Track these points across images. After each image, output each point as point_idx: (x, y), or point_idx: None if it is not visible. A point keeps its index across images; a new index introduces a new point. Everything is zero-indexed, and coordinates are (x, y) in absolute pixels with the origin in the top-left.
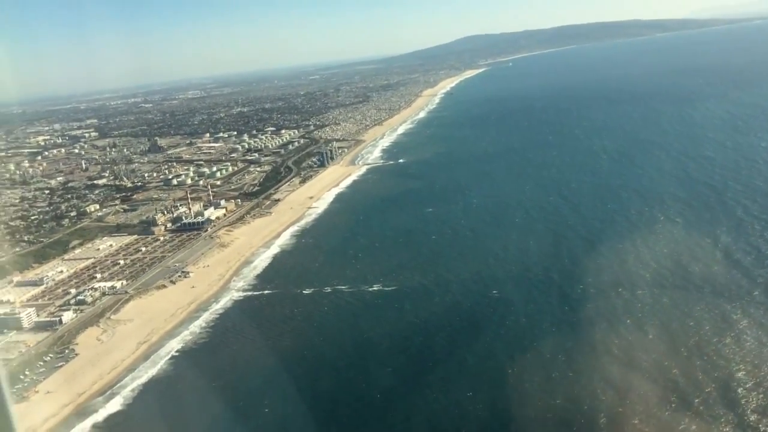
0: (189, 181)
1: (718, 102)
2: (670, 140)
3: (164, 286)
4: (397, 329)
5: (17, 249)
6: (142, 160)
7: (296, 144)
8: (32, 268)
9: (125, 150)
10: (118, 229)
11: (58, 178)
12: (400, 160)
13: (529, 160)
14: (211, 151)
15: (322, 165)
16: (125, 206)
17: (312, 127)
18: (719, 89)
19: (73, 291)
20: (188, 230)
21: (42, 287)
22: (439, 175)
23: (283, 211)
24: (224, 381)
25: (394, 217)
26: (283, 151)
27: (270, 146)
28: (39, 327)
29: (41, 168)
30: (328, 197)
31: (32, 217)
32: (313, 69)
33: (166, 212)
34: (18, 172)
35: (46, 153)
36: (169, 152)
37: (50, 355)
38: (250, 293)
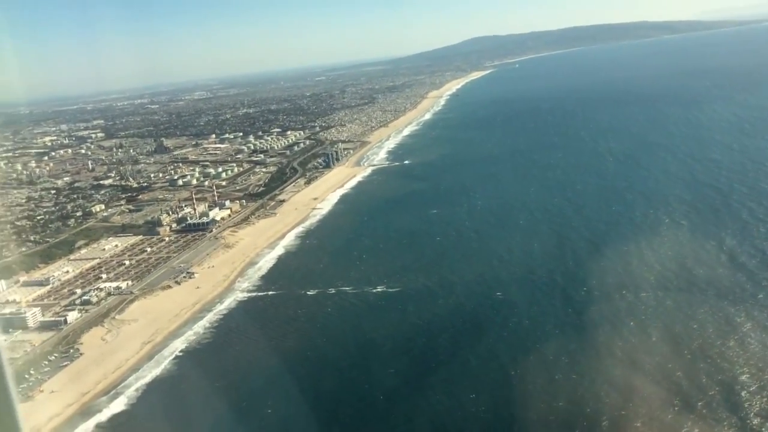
0: (194, 182)
1: (726, 104)
2: (677, 142)
3: (169, 287)
4: (401, 330)
5: (23, 249)
6: (148, 161)
7: (302, 145)
8: (38, 268)
9: (131, 150)
10: (124, 230)
11: (65, 178)
12: (406, 162)
13: (534, 162)
14: (217, 152)
15: (328, 166)
16: (131, 206)
17: (318, 129)
18: (727, 91)
19: (78, 291)
20: (193, 231)
21: (48, 287)
22: (444, 176)
23: (287, 212)
24: (227, 381)
25: (398, 218)
26: (288, 152)
27: (275, 147)
28: (44, 327)
29: (48, 168)
30: (333, 198)
31: (38, 217)
32: (320, 70)
33: (171, 213)
34: (25, 172)
35: (53, 153)
36: (175, 153)
37: (55, 354)
38: (254, 294)
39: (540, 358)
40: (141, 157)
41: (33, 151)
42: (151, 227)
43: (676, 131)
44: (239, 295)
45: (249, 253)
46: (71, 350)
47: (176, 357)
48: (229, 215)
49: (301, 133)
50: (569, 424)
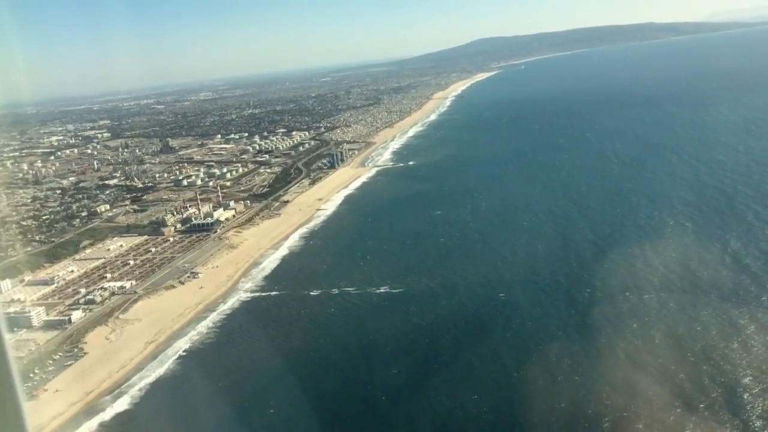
0: (199, 182)
1: (732, 106)
2: (682, 144)
3: (173, 287)
4: (403, 331)
5: (29, 248)
6: (153, 161)
7: (307, 146)
8: (43, 268)
9: (137, 151)
10: (129, 230)
11: (70, 178)
12: (410, 163)
13: (539, 163)
14: (222, 152)
15: (332, 167)
16: (136, 207)
17: (323, 129)
18: (733, 93)
19: (83, 290)
20: (198, 231)
21: (52, 286)
22: (448, 177)
23: (292, 212)
24: (230, 381)
25: (402, 219)
26: (293, 152)
27: (280, 148)
28: (49, 326)
29: (54, 168)
30: (338, 199)
31: (44, 217)
32: (325, 71)
33: (176, 213)
34: (31, 171)
35: (59, 153)
36: (180, 153)
37: (59, 353)
38: (257, 294)
39: (542, 359)
40: (146, 157)
41: (39, 150)
42: (155, 227)
43: (681, 133)
44: (243, 295)
45: (253, 253)
46: (75, 349)
47: (180, 357)
48: (234, 216)
49: (306, 133)
50: (571, 426)
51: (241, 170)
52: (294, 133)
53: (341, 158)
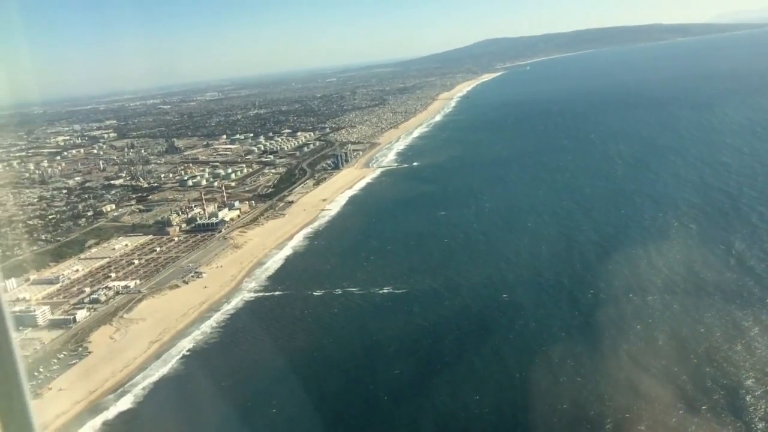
0: (204, 182)
1: (738, 107)
2: (687, 146)
3: (177, 286)
4: (406, 332)
5: (35, 248)
6: (159, 161)
7: (311, 146)
8: (49, 267)
9: (143, 151)
10: (134, 229)
11: (76, 178)
12: (415, 164)
13: (543, 165)
14: (227, 152)
15: (337, 167)
16: (141, 206)
17: (328, 130)
18: (739, 95)
19: (87, 290)
20: (202, 231)
21: (57, 285)
22: (452, 178)
23: (296, 213)
24: (233, 380)
25: (406, 220)
26: (298, 153)
27: (285, 148)
28: (54, 325)
29: (60, 168)
30: (342, 200)
31: (50, 217)
32: (331, 71)
33: (181, 213)
34: (37, 171)
35: (66, 153)
36: (185, 153)
37: (64, 352)
38: (261, 294)
39: (545, 360)
40: (152, 157)
41: (46, 150)
42: (160, 227)
43: (686, 134)
44: (246, 295)
45: (257, 253)
46: (80, 348)
47: (183, 356)
48: (238, 216)
49: (311, 134)
50: (573, 427)
51: (245, 170)
52: (299, 133)
53: (346, 159)
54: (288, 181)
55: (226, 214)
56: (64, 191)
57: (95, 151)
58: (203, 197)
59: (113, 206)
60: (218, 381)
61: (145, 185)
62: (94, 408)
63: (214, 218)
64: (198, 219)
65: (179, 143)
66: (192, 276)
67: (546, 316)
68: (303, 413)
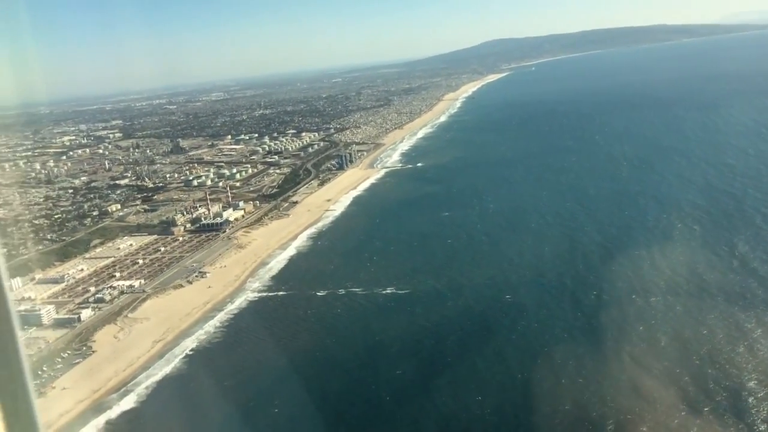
0: (209, 183)
1: (743, 109)
2: (692, 147)
3: (181, 286)
4: (409, 332)
5: (40, 247)
6: (164, 161)
7: (316, 147)
8: (54, 266)
9: (148, 151)
10: (139, 229)
11: (82, 178)
12: (419, 164)
13: (547, 166)
14: (232, 153)
15: (341, 168)
16: (146, 206)
17: (332, 130)
18: (744, 96)
19: (92, 289)
20: (207, 231)
21: (62, 285)
22: (456, 179)
23: (300, 213)
24: (236, 380)
25: (410, 220)
26: (302, 153)
27: (290, 149)
28: (58, 324)
29: (66, 167)
30: (346, 200)
31: (55, 216)
32: (336, 72)
33: (185, 213)
34: (43, 171)
35: (71, 153)
36: (190, 153)
37: (68, 351)
38: (264, 294)
39: (547, 361)
40: (157, 157)
41: (52, 150)
42: (165, 227)
43: (691, 135)
44: (250, 295)
45: (261, 253)
46: (84, 348)
47: (186, 356)
48: (243, 216)
49: (316, 134)
50: (574, 428)
51: (250, 171)
52: (304, 134)
53: (350, 159)
54: (292, 182)
55: (230, 215)
56: (70, 191)
57: (101, 151)
58: (208, 197)
59: (118, 206)
60: (221, 380)
61: (151, 185)
62: (98, 407)
63: (218, 218)
64: (203, 219)
65: (184, 143)
66: (196, 276)
67: (548, 317)
68: (305, 413)
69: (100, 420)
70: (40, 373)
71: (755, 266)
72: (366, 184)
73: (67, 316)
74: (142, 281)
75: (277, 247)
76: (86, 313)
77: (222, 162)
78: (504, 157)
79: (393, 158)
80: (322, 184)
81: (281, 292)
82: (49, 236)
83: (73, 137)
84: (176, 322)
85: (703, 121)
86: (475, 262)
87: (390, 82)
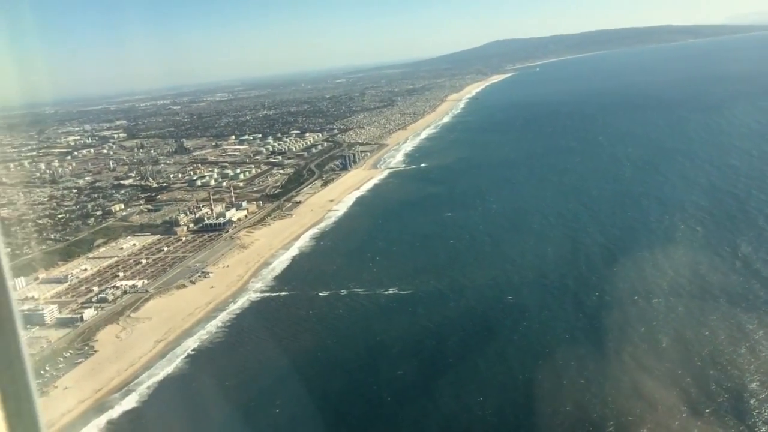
0: (213, 183)
1: (748, 110)
2: (695, 148)
3: (184, 286)
4: (411, 333)
5: (44, 247)
6: (168, 161)
7: (320, 147)
8: (57, 266)
9: (152, 151)
10: (142, 229)
11: (86, 178)
12: (422, 165)
13: (550, 167)
14: (236, 153)
15: (345, 168)
16: (150, 206)
17: (336, 131)
18: (750, 97)
19: (95, 289)
20: (210, 231)
21: (66, 285)
22: (459, 179)
23: (303, 213)
24: (238, 380)
25: (413, 221)
26: (306, 154)
27: (294, 149)
28: (61, 323)
29: (70, 167)
30: (349, 200)
31: (59, 216)
32: (340, 72)
33: (189, 213)
34: (48, 171)
35: (76, 153)
36: (194, 154)
37: (70, 351)
38: (267, 294)
39: (548, 362)
40: (161, 157)
41: (56, 150)
42: (168, 227)
43: (695, 137)
44: (252, 295)
45: (264, 253)
46: (86, 347)
47: (188, 355)
48: (246, 216)
49: (320, 135)
50: (575, 429)
51: (254, 171)
52: (307, 134)
53: (354, 160)
54: (296, 182)
55: (233, 215)
56: (74, 191)
57: (105, 151)
58: (211, 197)
59: (122, 206)
60: (222, 380)
61: (154, 185)
62: (99, 406)
63: (221, 218)
64: (206, 219)
65: (188, 143)
66: (199, 276)
67: (550, 318)
68: (306, 413)
69: (102, 419)
70: (42, 372)
71: (758, 267)
72: (369, 185)
73: (69, 316)
74: (145, 281)
75: (279, 248)
76: (89, 313)
77: (226, 162)
78: (507, 157)
79: (396, 159)
80: (325, 184)
81: (283, 293)
82: (52, 236)
83: (78, 137)
84: (178, 322)
85: (707, 123)
86: (478, 262)
87: (394, 83)
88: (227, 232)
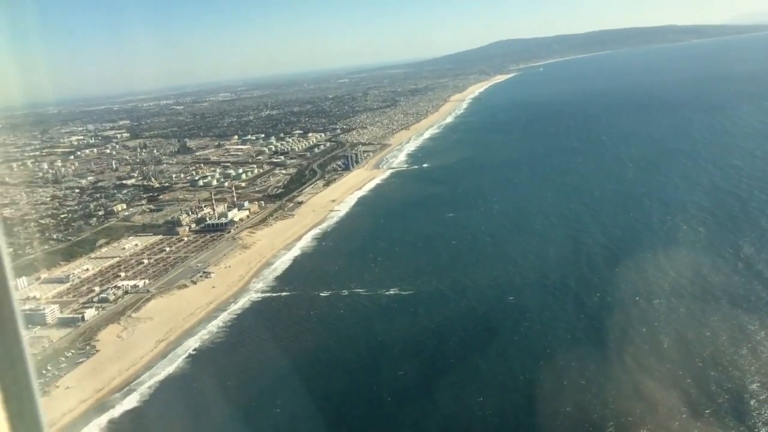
0: (215, 183)
1: (752, 111)
2: (698, 149)
3: (185, 286)
4: (412, 333)
5: (46, 246)
6: (170, 161)
7: (322, 147)
8: (59, 266)
9: (155, 151)
10: (144, 229)
11: (89, 178)
12: (425, 165)
13: (553, 167)
14: (239, 153)
15: (347, 168)
16: (152, 206)
17: (339, 131)
18: (754, 98)
19: (97, 289)
20: (212, 231)
21: (67, 284)
22: (462, 180)
23: (305, 213)
24: (238, 380)
25: (415, 221)
26: (308, 154)
27: (296, 149)
28: (62, 323)
29: (73, 167)
30: (351, 200)
31: (62, 216)
32: (343, 72)
33: (191, 213)
34: (51, 171)
35: (79, 153)
36: (197, 154)
37: (72, 351)
38: (268, 294)
39: (549, 362)
40: (164, 157)
41: (59, 150)
42: (170, 227)
43: (698, 137)
44: (254, 295)
45: (265, 254)
46: (87, 347)
47: (189, 355)
48: (248, 216)
49: (323, 135)
50: (575, 430)
51: (256, 171)
52: (310, 134)
53: (356, 160)
54: (298, 182)
55: (235, 215)
56: (77, 191)
57: (108, 150)
58: (213, 197)
59: (124, 206)
60: (224, 380)
61: (157, 185)
62: (101, 406)
63: (223, 218)
64: (208, 219)
65: (191, 143)
66: (200, 276)
67: (551, 319)
68: (307, 413)
69: (103, 419)
70: (44, 372)
71: (760, 268)
72: (371, 185)
73: (71, 316)
74: (147, 281)
75: (281, 248)
76: (90, 313)
77: (228, 162)
78: (510, 158)
79: (399, 159)
80: (327, 184)
81: (285, 293)
82: (55, 236)
83: (81, 137)
84: (180, 322)
85: (711, 123)
86: (479, 263)
87: (397, 83)
88: (229, 232)
